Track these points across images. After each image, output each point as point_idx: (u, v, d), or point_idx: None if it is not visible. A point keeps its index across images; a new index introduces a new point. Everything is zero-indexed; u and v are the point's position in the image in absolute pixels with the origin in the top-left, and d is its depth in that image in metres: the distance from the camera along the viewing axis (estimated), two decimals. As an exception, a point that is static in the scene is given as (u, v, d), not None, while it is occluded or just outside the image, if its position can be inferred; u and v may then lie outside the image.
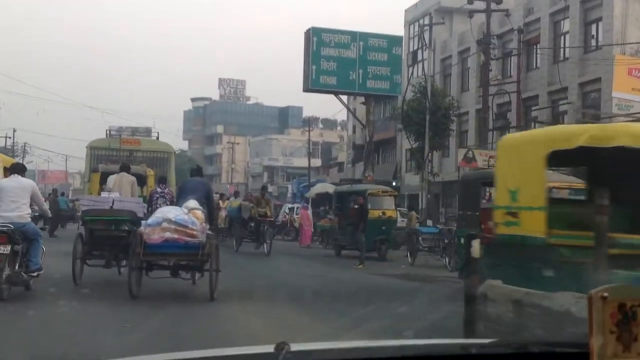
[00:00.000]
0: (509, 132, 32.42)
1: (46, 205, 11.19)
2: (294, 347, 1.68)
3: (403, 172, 42.84)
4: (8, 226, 9.10)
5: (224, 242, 20.21)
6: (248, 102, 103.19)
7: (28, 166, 14.06)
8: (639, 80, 25.89)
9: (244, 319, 8.61)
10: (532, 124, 31.63)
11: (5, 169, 11.53)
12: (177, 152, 54.54)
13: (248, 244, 20.43)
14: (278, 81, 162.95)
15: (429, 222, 27.30)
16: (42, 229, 11.20)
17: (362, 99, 43.79)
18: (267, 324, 8.05)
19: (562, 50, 29.88)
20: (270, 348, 1.68)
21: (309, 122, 63.68)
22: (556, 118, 30.40)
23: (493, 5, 27.03)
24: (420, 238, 19.01)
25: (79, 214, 12.06)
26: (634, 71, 25.86)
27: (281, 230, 31.12)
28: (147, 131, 78.41)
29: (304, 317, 8.54)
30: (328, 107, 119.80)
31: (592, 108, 28.29)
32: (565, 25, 29.35)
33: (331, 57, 31.27)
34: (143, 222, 10.17)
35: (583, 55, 28.24)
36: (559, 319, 4.56)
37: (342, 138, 71.82)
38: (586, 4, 28.21)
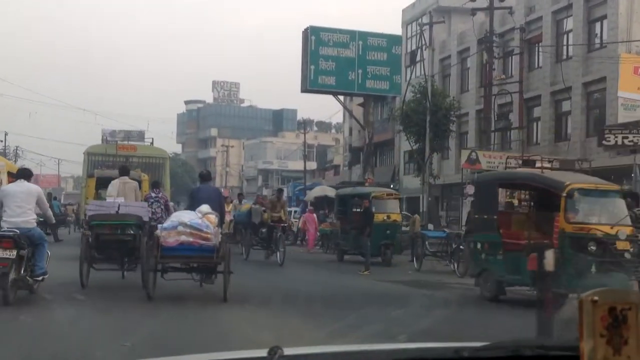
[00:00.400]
0: (510, 133, 32.17)
1: (50, 211, 11.19)
2: (287, 351, 1.70)
3: (401, 174, 42.22)
4: (14, 231, 9.29)
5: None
6: (242, 105, 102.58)
7: None
8: (646, 79, 25.26)
9: (256, 327, 8.39)
10: (535, 124, 31.16)
11: (9, 173, 11.86)
12: (171, 155, 53.95)
13: (257, 252, 19.02)
14: (272, 84, 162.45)
15: (430, 226, 26.59)
16: (47, 234, 11.33)
17: (359, 101, 43.20)
18: (278, 334, 7.41)
19: (565, 49, 29.28)
20: (263, 352, 1.69)
21: (305, 125, 63.05)
22: (559, 119, 29.85)
23: (496, 3, 26.41)
24: (426, 242, 18.29)
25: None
26: (640, 70, 25.26)
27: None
28: (141, 134, 77.95)
29: (321, 330, 7.84)
30: (322, 109, 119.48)
31: (597, 108, 27.74)
32: (568, 24, 28.76)
33: (330, 57, 30.56)
34: (159, 225, 10.56)
35: (587, 54, 27.65)
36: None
37: (338, 141, 71.24)
38: (590, 1, 27.61)
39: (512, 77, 30.80)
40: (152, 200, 13.83)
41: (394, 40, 32.68)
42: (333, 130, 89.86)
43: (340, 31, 31.14)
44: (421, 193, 31.21)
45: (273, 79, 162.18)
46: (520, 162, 12.16)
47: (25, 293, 9.61)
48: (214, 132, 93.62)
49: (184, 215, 10.30)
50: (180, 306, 9.57)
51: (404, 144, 39.65)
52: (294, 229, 29.98)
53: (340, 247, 21.06)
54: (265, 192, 64.14)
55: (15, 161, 55.15)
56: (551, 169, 11.42)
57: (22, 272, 9.38)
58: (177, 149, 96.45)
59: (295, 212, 32.57)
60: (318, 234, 26.00)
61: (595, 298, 1.51)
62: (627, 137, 21.44)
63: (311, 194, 37.68)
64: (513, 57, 31.56)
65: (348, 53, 30.69)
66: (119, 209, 11.59)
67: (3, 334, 7.59)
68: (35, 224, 9.87)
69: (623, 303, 1.54)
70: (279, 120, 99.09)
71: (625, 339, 1.53)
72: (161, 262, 10.04)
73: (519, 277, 11.01)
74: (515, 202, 13.20)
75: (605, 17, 26.90)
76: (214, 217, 10.20)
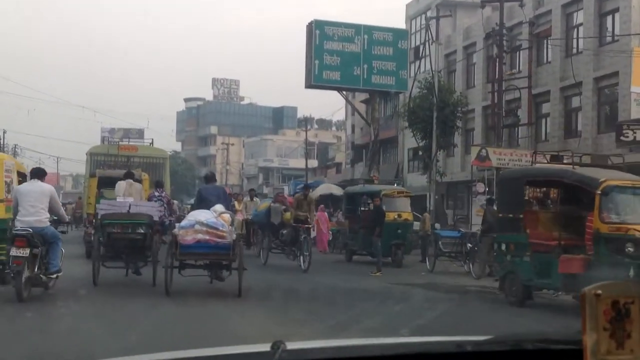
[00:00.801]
0: (518, 129, 31.50)
1: (63, 210, 11.44)
2: (290, 345, 1.70)
3: (405, 172, 41.53)
4: (27, 230, 9.54)
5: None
6: (242, 103, 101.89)
7: None
8: (661, 73, 24.56)
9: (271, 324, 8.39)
10: (543, 120, 30.48)
11: (18, 173, 12.16)
12: (170, 153, 53.33)
13: (276, 256, 17.30)
14: (272, 81, 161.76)
15: (437, 225, 25.88)
16: (62, 232, 11.39)
17: (361, 98, 42.50)
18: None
19: (575, 43, 28.59)
20: (266, 347, 1.68)
21: (306, 122, 62.37)
22: (569, 115, 29.18)
23: (506, -5, 25.72)
24: (440, 242, 17.57)
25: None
26: (654, 64, 24.53)
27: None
28: (140, 132, 77.27)
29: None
30: (323, 107, 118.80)
31: (609, 104, 27.08)
32: (579, 17, 28.06)
33: (334, 52, 29.76)
34: (177, 224, 11.11)
35: (598, 49, 26.95)
36: None
37: (340, 138, 70.56)
38: (602, -6, 26.93)
39: (520, 73, 30.12)
40: (155, 199, 14.32)
41: (400, 34, 31.91)
42: (334, 128, 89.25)
43: (345, 25, 30.35)
44: (427, 191, 30.49)
45: (273, 77, 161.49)
46: (548, 157, 11.40)
47: (40, 291, 9.94)
48: (214, 129, 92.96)
49: (200, 215, 10.65)
50: (195, 302, 10.02)
51: (408, 141, 38.99)
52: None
53: (349, 247, 20.33)
54: (266, 190, 63.48)
55: (13, 159, 54.42)
56: (581, 164, 10.71)
57: (35, 269, 9.64)
58: (177, 146, 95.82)
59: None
60: (330, 233, 24.50)
61: (599, 292, 1.51)
62: (646, 133, 20.81)
63: (316, 192, 36.89)
64: (521, 52, 30.87)
65: (353, 48, 29.89)
66: (130, 208, 11.90)
67: (13, 330, 7.73)
68: (49, 223, 10.07)
69: (626, 297, 1.54)
70: (279, 118, 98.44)
71: (629, 333, 1.53)
72: (180, 259, 10.54)
73: (549, 281, 10.31)
74: (536, 199, 12.40)
75: (617, 9, 26.22)
76: (228, 216, 10.66)
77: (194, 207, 11.95)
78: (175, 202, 30.57)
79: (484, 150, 24.52)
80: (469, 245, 16.84)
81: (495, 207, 16.40)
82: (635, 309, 1.53)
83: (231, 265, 10.66)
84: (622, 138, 21.07)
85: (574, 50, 28.42)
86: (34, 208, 9.76)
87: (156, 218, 12.11)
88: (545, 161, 11.29)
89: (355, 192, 22.24)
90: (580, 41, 27.99)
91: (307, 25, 29.96)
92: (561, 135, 28.91)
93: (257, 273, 13.44)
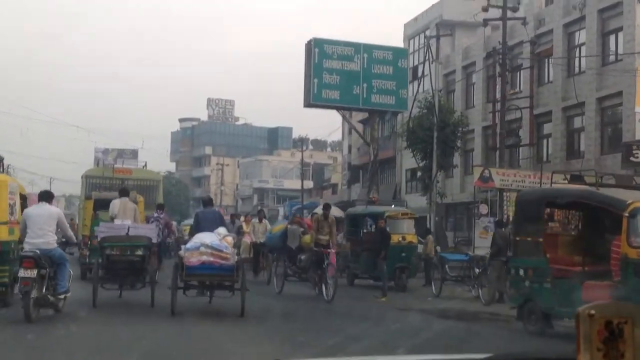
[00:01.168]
0: (519, 150, 31.03)
1: (71, 232, 11.57)
2: None
3: (403, 193, 40.98)
4: (35, 251, 9.75)
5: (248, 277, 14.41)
6: (237, 123, 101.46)
7: None
8: (665, 93, 24.14)
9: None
10: (545, 141, 30.03)
11: (20, 195, 12.32)
12: (164, 174, 52.52)
13: (292, 284, 15.72)
14: (267, 102, 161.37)
15: (437, 248, 25.28)
16: (70, 254, 11.69)
17: (359, 117, 42.02)
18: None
19: (577, 62, 28.22)
20: None
21: (302, 143, 61.87)
22: (571, 135, 28.74)
23: (509, 13, 25.37)
24: (446, 266, 16.94)
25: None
26: (659, 84, 24.13)
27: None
28: (134, 153, 76.56)
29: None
30: (318, 128, 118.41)
31: (612, 125, 26.66)
32: (581, 37, 27.71)
33: (334, 70, 29.22)
34: (182, 246, 11.42)
35: (601, 68, 26.58)
36: None
37: (335, 159, 70.07)
38: (604, 13, 26.59)
39: (521, 92, 29.73)
40: (152, 220, 15.05)
41: (400, 53, 31.45)
42: (329, 149, 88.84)
43: (345, 43, 29.86)
44: (426, 212, 29.89)
45: (268, 97, 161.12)
46: (568, 177, 10.84)
47: (49, 311, 10.11)
48: (208, 150, 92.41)
49: (205, 237, 10.96)
50: (196, 321, 10.21)
51: (406, 162, 38.51)
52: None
53: (351, 270, 19.65)
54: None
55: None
56: (605, 184, 10.13)
57: (43, 290, 9.82)
58: (171, 167, 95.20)
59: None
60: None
61: (592, 312, 1.52)
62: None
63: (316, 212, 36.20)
64: (522, 71, 30.50)
65: (353, 66, 29.38)
66: (129, 231, 12.14)
67: (17, 350, 7.84)
68: (56, 245, 10.33)
69: (619, 317, 1.55)
70: (274, 139, 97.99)
71: (622, 353, 1.53)
72: (185, 280, 10.82)
73: (571, 309, 9.68)
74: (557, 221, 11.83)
75: (620, 29, 25.88)
76: (231, 239, 11.17)
77: (192, 230, 12.18)
78: (174, 223, 30.08)
79: (487, 171, 24.01)
80: (477, 269, 16.22)
81: (504, 229, 15.83)
82: (628, 329, 1.54)
83: (234, 286, 10.93)
84: (631, 159, 20.57)
85: (576, 70, 28.08)
86: (42, 230, 10.02)
87: (154, 240, 12.45)
88: (565, 181, 10.75)
89: (357, 214, 21.58)
90: (583, 61, 27.66)
91: (306, 44, 29.48)
92: (563, 156, 28.49)
93: (270, 300, 13.24)
